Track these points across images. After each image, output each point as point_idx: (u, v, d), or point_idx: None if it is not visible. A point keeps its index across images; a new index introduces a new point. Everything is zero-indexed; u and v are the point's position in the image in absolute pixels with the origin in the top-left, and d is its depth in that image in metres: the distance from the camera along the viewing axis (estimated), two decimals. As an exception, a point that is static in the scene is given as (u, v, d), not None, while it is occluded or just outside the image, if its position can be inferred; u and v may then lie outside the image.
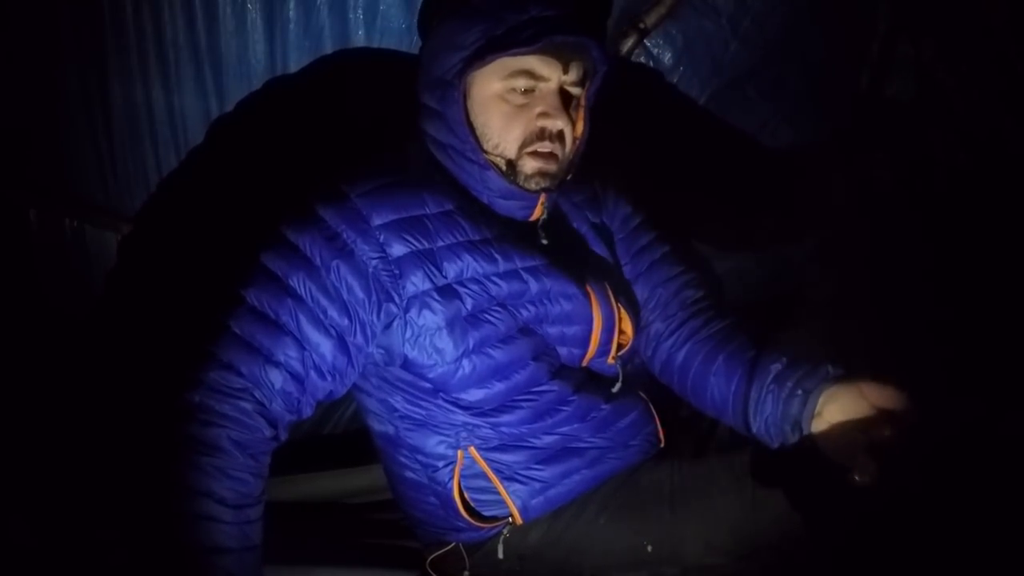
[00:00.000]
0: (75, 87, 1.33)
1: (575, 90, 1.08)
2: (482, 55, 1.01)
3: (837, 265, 1.72)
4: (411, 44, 1.34)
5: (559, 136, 1.07)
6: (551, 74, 1.05)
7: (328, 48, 1.33)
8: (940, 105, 1.68)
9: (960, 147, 1.69)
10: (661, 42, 1.57)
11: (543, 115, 1.05)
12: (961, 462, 0.94)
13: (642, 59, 1.58)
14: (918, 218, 1.73)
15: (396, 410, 1.14)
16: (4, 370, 1.39)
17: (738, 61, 1.60)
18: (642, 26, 1.53)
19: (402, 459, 1.16)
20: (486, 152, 1.07)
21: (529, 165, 1.07)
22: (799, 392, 1.02)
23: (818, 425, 0.99)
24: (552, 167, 1.08)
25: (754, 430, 1.08)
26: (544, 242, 1.14)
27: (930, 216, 1.72)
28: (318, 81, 1.35)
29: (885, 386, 0.96)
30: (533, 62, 1.03)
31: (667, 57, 1.58)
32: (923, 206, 1.75)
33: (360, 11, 1.32)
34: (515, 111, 1.05)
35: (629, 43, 1.54)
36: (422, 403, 1.11)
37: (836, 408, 0.98)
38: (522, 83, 1.04)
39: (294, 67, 1.34)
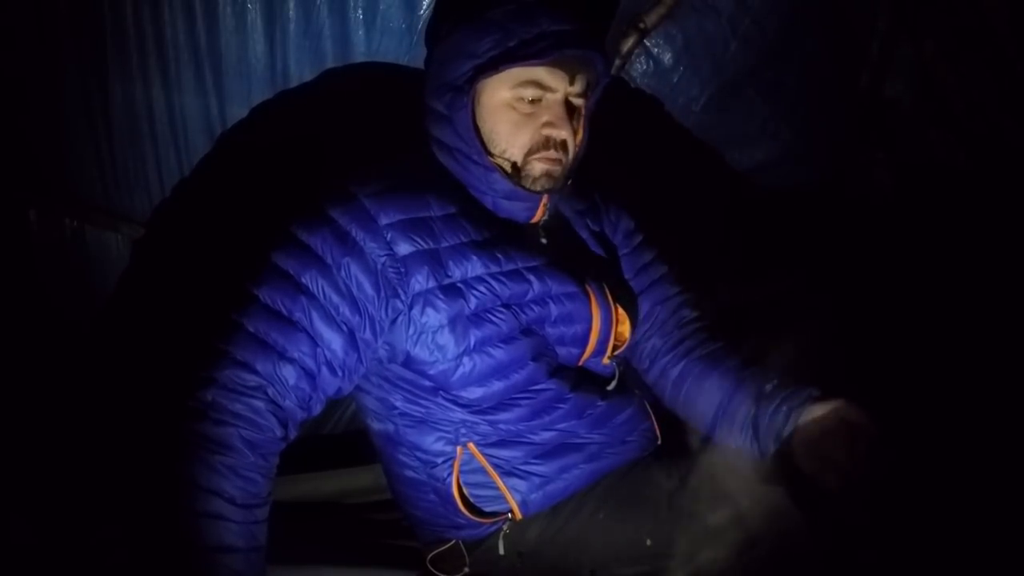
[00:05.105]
0: (75, 87, 1.33)
1: (578, 101, 1.11)
2: (495, 64, 1.04)
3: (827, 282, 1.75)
4: (411, 44, 1.35)
5: (562, 145, 1.10)
6: (558, 85, 1.07)
7: (328, 48, 1.34)
8: (940, 105, 1.68)
9: (960, 147, 1.69)
10: (661, 42, 1.57)
11: (548, 124, 1.08)
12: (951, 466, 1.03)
13: (642, 59, 1.58)
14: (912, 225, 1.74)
15: (395, 408, 1.14)
16: (4, 370, 1.40)
17: (738, 61, 1.60)
18: (642, 26, 1.53)
19: (401, 457, 1.17)
20: (491, 155, 1.10)
21: (536, 168, 1.10)
22: (784, 409, 1.12)
23: (796, 439, 1.10)
24: (557, 170, 1.11)
25: (739, 443, 1.17)
26: (544, 241, 1.16)
27: (929, 216, 1.72)
28: (323, 86, 1.35)
29: (856, 406, 1.08)
30: (542, 73, 1.06)
31: (667, 57, 1.59)
32: (922, 207, 1.75)
33: (360, 11, 1.32)
34: (522, 119, 1.08)
35: (629, 43, 1.54)
36: (421, 401, 1.12)
37: (813, 424, 1.09)
38: (530, 93, 1.07)
39: (294, 67, 1.34)
